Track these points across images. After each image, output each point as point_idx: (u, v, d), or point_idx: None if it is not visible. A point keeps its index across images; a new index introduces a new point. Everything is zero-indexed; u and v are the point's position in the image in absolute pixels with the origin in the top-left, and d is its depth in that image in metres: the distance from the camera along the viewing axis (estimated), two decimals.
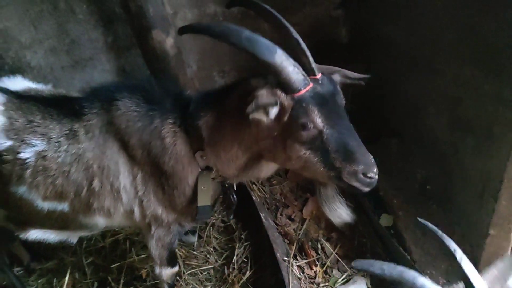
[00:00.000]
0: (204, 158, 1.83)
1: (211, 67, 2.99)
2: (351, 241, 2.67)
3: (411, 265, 2.33)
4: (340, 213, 1.93)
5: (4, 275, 2.66)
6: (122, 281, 2.71)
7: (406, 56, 2.61)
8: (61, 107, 1.92)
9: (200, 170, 1.88)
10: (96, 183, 1.89)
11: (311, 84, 1.54)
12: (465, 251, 2.27)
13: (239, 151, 1.77)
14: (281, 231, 2.76)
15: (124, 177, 1.91)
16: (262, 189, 2.95)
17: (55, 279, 2.82)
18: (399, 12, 2.57)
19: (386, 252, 2.54)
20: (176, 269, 2.34)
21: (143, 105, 1.85)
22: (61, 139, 1.86)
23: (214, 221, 3.07)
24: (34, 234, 2.14)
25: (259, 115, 1.55)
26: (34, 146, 1.85)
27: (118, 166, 1.89)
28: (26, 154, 1.85)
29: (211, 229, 3.02)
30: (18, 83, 2.07)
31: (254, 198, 2.83)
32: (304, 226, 2.78)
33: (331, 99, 1.58)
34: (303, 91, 1.52)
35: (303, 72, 1.54)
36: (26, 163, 1.85)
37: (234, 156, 1.79)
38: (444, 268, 2.38)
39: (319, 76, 1.60)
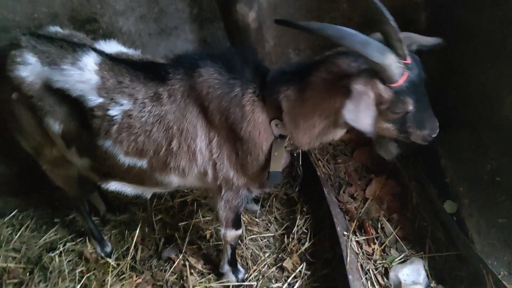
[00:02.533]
0: (279, 126, 1.95)
1: (287, 44, 3.07)
2: (412, 224, 2.68)
3: (474, 252, 2.32)
4: (389, 149, 2.13)
5: (84, 221, 2.92)
6: (187, 239, 2.89)
7: (487, 45, 2.55)
8: (148, 72, 2.07)
9: (274, 138, 2.00)
10: (174, 144, 2.04)
11: (406, 73, 1.61)
12: None
13: (318, 121, 1.89)
14: (343, 207, 2.82)
15: (201, 140, 2.05)
16: (327, 166, 3.02)
17: (126, 231, 3.04)
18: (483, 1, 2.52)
19: (447, 238, 2.54)
20: (240, 232, 2.47)
21: (224, 74, 1.97)
22: (146, 100, 2.02)
23: (277, 192, 3.18)
24: (114, 186, 2.33)
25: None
26: (122, 105, 2.02)
27: (196, 129, 2.03)
28: (114, 111, 2.02)
29: (274, 200, 3.14)
30: (112, 47, 2.23)
31: (318, 173, 2.90)
32: (366, 205, 2.83)
33: (419, 82, 1.67)
34: (400, 82, 1.60)
35: (402, 64, 1.60)
36: (113, 119, 2.03)
37: (312, 126, 1.91)
38: (507, 260, 2.35)
39: (409, 60, 1.64)
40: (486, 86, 2.63)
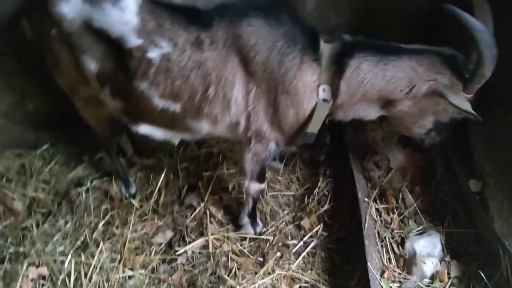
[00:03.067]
0: (326, 91, 2.01)
1: (328, 5, 3.00)
2: (433, 198, 2.69)
3: (493, 231, 2.33)
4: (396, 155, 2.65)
5: (111, 161, 3.00)
6: (210, 189, 2.95)
7: None
8: (190, 17, 2.05)
9: (317, 101, 2.05)
10: (211, 91, 2.06)
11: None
12: None
13: (376, 101, 2.07)
14: (366, 175, 2.83)
15: (238, 89, 2.06)
16: (355, 132, 3.01)
17: (151, 175, 3.12)
18: None
19: (467, 215, 2.54)
20: (263, 185, 2.52)
21: (277, 27, 1.98)
22: (186, 45, 2.02)
23: (302, 153, 3.20)
24: (144, 129, 2.37)
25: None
26: (161, 48, 2.02)
27: (235, 78, 2.04)
28: (153, 54, 2.02)
29: (298, 160, 3.17)
30: None
31: (345, 139, 2.91)
32: (390, 175, 2.83)
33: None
34: (469, 96, 1.91)
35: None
36: (151, 62, 2.04)
37: (367, 100, 2.07)
38: None
39: None
40: None
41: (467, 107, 1.87)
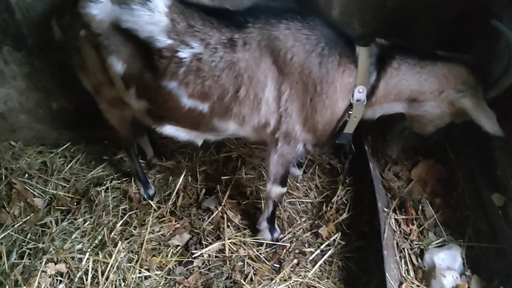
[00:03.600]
0: (361, 92, 2.08)
1: (353, 14, 2.99)
2: (454, 211, 2.64)
3: None
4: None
5: (131, 162, 3.03)
6: (227, 193, 2.96)
7: None
8: (222, 18, 2.08)
9: (352, 102, 2.11)
10: (242, 91, 2.09)
11: None
12: None
13: (405, 97, 2.18)
14: (386, 184, 2.80)
15: (270, 91, 2.09)
16: (376, 141, 2.99)
17: (170, 177, 3.15)
18: None
19: (490, 230, 2.49)
20: (285, 189, 2.53)
21: (314, 29, 2.04)
22: (218, 46, 2.04)
23: (321, 161, 3.19)
24: (168, 130, 2.40)
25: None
26: (193, 48, 2.05)
27: (267, 79, 2.07)
28: (184, 54, 2.05)
29: (317, 168, 3.15)
30: None
31: (366, 148, 2.89)
32: (410, 185, 2.80)
33: None
34: None
35: None
36: (182, 61, 2.06)
37: (398, 99, 2.19)
38: None
39: None
40: None
41: (488, 118, 2.05)
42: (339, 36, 2.09)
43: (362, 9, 2.94)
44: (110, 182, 3.14)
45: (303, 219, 2.87)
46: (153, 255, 2.64)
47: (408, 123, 2.41)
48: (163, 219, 2.87)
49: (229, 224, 2.81)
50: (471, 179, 2.70)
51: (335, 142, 2.30)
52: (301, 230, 2.80)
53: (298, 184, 3.06)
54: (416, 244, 2.53)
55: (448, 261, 2.38)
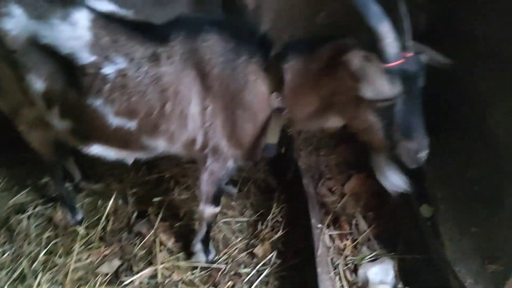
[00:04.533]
0: (279, 99, 1.96)
1: (283, 29, 3.01)
2: (387, 224, 2.68)
3: (444, 258, 2.32)
4: (393, 179, 1.98)
5: (57, 187, 2.86)
6: (160, 215, 2.85)
7: (486, 52, 2.52)
8: (146, 31, 2.01)
9: (272, 110, 2.01)
10: (168, 107, 2.01)
11: (402, 60, 1.62)
12: (500, 256, 2.29)
13: (315, 98, 1.95)
14: (320, 200, 2.81)
15: (195, 106, 2.03)
16: (309, 157, 3.00)
17: (100, 201, 3.00)
18: (486, 5, 2.49)
19: (420, 241, 2.54)
20: (218, 209, 2.45)
21: (230, 41, 1.97)
22: (142, 60, 1.97)
23: (256, 178, 3.15)
24: (96, 149, 2.28)
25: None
26: (116, 64, 1.96)
27: (191, 94, 2.00)
28: (108, 70, 1.96)
29: (252, 185, 3.11)
30: (103, 6, 2.14)
31: (299, 164, 2.88)
32: (343, 200, 2.82)
33: (414, 79, 1.67)
34: (392, 64, 1.61)
35: (399, 47, 1.61)
36: (106, 78, 1.97)
37: (310, 102, 1.98)
38: (474, 269, 2.36)
39: (410, 54, 1.67)
40: (480, 95, 2.62)
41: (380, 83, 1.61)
42: (258, 44, 2.02)
43: (292, 24, 2.97)
44: (34, 208, 2.94)
45: (238, 239, 2.80)
46: (80, 285, 2.48)
47: (360, 137, 1.96)
48: (91, 245, 2.71)
49: (162, 248, 2.70)
50: (401, 192, 2.75)
51: (267, 155, 2.16)
52: (236, 250, 2.73)
53: (233, 203, 3.00)
54: (350, 259, 2.53)
55: (380, 275, 2.39)
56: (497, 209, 2.43)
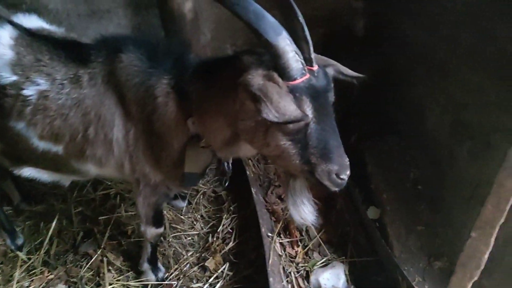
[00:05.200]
0: (195, 124, 1.79)
1: (225, 39, 3.00)
2: (336, 228, 2.71)
3: (392, 258, 2.37)
4: (304, 211, 1.76)
5: None
6: (107, 234, 2.75)
7: (420, 55, 2.62)
8: (70, 51, 1.92)
9: (190, 136, 1.84)
10: (91, 131, 1.91)
11: (308, 75, 1.47)
12: (445, 252, 2.37)
13: (224, 124, 1.73)
14: (270, 208, 2.80)
15: (118, 130, 1.92)
16: (257, 165, 2.99)
17: (42, 223, 2.85)
18: (420, 9, 2.58)
19: (368, 243, 2.59)
20: (161, 230, 2.36)
21: (145, 61, 1.84)
22: (65, 82, 1.88)
23: (205, 190, 3.11)
24: (28, 172, 2.17)
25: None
26: (38, 85, 1.86)
27: (114, 118, 1.90)
28: (29, 91, 1.86)
29: (201, 197, 3.07)
30: (32, 22, 2.07)
31: (248, 173, 2.87)
32: None
33: (323, 95, 1.52)
34: (298, 81, 1.45)
35: (303, 61, 1.46)
36: (28, 100, 1.87)
37: (219, 129, 1.76)
38: (422, 266, 2.44)
39: (315, 68, 1.52)
40: (416, 96, 2.71)
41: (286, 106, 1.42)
42: (172, 63, 1.84)
43: (233, 34, 2.95)
44: None
45: (189, 253, 2.75)
46: None
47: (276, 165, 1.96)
48: (34, 271, 2.57)
49: (110, 267, 2.60)
50: (348, 195, 2.79)
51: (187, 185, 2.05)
52: (188, 265, 2.67)
53: (182, 217, 2.94)
54: (302, 266, 2.54)
55: (332, 280, 2.41)
56: (439, 207, 2.52)
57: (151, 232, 2.31)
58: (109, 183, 3.05)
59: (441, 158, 2.48)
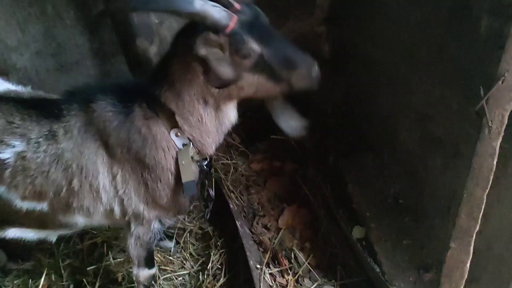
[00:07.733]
0: (179, 134, 1.88)
1: None
2: (324, 252, 2.71)
3: (380, 276, 2.38)
4: (293, 123, 2.02)
5: None
6: (97, 284, 2.72)
7: (383, 73, 2.69)
8: (40, 109, 1.95)
9: (177, 150, 1.92)
10: (75, 183, 1.93)
11: (235, 16, 1.62)
12: (433, 263, 2.38)
13: (202, 109, 1.85)
14: (256, 239, 2.80)
15: (103, 177, 1.95)
16: (240, 197, 3.00)
17: (30, 280, 2.81)
18: (378, 30, 2.66)
19: (357, 264, 2.59)
20: (153, 271, 2.38)
21: (117, 104, 1.90)
22: (40, 139, 1.90)
23: (192, 228, 3.10)
24: (13, 233, 2.16)
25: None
26: (14, 147, 1.88)
27: (97, 166, 1.93)
28: (6, 155, 1.87)
29: (188, 235, 3.05)
30: None
31: (231, 206, 2.88)
32: (279, 235, 2.83)
33: (257, 22, 1.70)
34: (231, 26, 1.60)
35: (224, 8, 1.59)
36: (5, 163, 1.88)
37: (200, 115, 1.86)
38: (412, 280, 2.44)
39: (238, 6, 1.68)
40: (386, 113, 2.76)
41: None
42: (141, 94, 1.91)
43: None
44: None
45: None
46: None
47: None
48: None
49: None
50: (332, 217, 2.81)
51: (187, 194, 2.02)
52: None
53: (171, 258, 2.92)
54: None
55: None
56: (422, 219, 2.54)
57: (144, 274, 2.32)
58: (95, 232, 3.04)
59: (416, 171, 2.52)
